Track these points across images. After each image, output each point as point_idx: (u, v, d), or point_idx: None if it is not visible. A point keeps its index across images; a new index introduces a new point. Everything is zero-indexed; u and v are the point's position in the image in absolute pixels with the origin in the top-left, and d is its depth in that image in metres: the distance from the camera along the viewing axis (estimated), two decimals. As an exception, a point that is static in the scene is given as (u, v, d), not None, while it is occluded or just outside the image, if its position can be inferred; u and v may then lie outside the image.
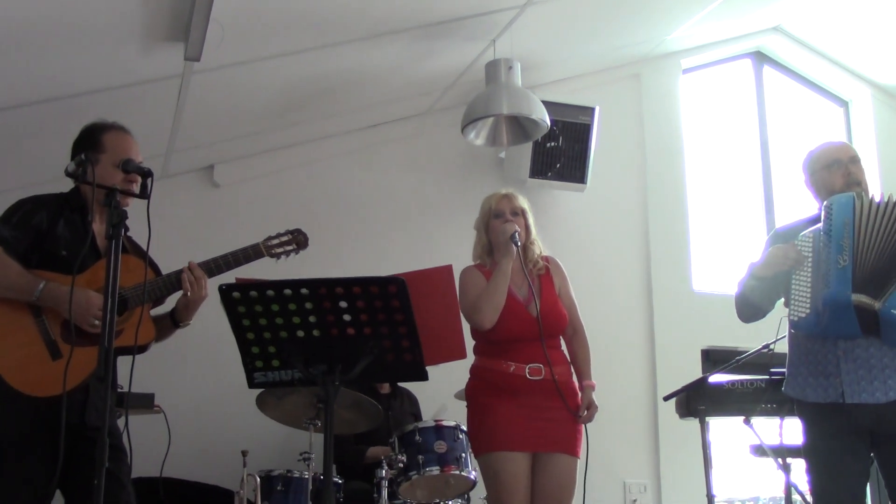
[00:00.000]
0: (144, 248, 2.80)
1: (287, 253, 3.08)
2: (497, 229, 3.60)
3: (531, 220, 3.68)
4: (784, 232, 3.25)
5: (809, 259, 2.98)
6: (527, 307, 3.54)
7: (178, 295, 2.98)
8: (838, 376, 3.01)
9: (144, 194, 2.60)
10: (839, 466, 3.03)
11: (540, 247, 3.70)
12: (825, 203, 3.01)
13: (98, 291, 2.65)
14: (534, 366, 3.46)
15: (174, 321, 3.01)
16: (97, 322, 2.62)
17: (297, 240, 3.10)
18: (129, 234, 2.90)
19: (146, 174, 2.61)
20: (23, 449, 2.63)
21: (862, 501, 3.07)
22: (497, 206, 3.68)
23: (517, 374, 3.45)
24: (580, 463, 3.53)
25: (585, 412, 3.50)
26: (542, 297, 3.57)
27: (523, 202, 3.70)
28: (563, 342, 3.68)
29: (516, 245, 3.51)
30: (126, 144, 2.86)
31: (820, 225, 3.02)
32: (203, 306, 3.01)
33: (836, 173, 3.15)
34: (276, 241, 3.07)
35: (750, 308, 3.26)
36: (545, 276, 3.65)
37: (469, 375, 3.64)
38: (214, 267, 2.93)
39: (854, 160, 3.19)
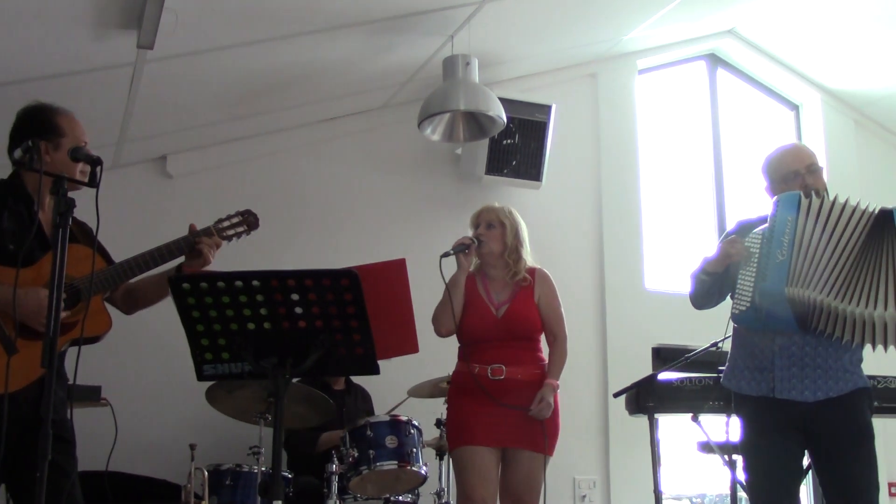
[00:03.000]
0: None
1: (238, 234, 3.02)
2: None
3: (518, 233, 3.78)
4: (747, 224, 3.27)
5: (756, 255, 3.03)
6: (496, 310, 3.69)
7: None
8: (772, 371, 3.07)
9: (93, 183, 2.54)
10: (774, 463, 3.08)
11: (526, 259, 3.78)
12: (773, 199, 3.07)
13: (48, 285, 2.60)
14: (495, 366, 3.58)
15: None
16: None
17: (248, 221, 3.04)
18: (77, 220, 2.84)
19: (95, 162, 2.55)
20: None
21: (796, 497, 3.12)
22: (476, 218, 3.83)
23: (481, 375, 3.58)
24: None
25: (536, 405, 3.55)
26: (513, 303, 3.69)
27: (505, 214, 3.80)
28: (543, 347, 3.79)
29: (444, 256, 3.62)
30: (80, 129, 2.82)
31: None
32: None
33: (793, 185, 3.16)
34: (226, 224, 3.00)
35: (700, 298, 3.31)
36: (526, 287, 3.75)
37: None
38: (176, 249, 2.88)
39: (811, 169, 3.20)
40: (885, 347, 2.91)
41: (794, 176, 3.19)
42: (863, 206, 2.95)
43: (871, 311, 2.86)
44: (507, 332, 3.64)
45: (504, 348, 3.62)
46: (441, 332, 3.69)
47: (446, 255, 3.65)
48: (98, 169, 2.54)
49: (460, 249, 3.67)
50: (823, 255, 2.92)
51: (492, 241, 3.73)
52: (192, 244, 2.88)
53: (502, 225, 3.76)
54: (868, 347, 3.05)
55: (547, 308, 3.76)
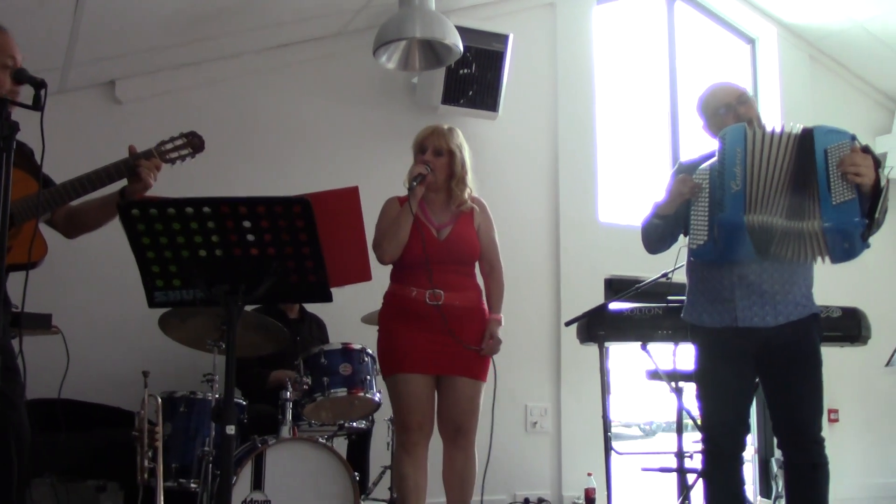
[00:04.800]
0: (38, 162, 2.67)
1: (182, 157, 2.92)
2: (411, 168, 3.60)
3: (465, 161, 3.65)
4: (688, 165, 3.36)
5: (707, 190, 3.09)
6: (437, 232, 3.59)
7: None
8: (733, 301, 3.16)
9: (38, 106, 2.47)
10: (727, 389, 3.21)
11: (471, 188, 3.68)
12: (719, 134, 3.12)
13: None
14: (433, 291, 3.51)
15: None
16: None
17: (193, 143, 2.93)
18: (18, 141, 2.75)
19: (39, 85, 2.48)
20: None
21: (745, 422, 3.25)
22: (423, 140, 3.66)
23: (418, 300, 3.51)
24: (489, 389, 3.62)
25: (487, 343, 3.56)
26: (456, 226, 3.62)
27: (454, 141, 3.65)
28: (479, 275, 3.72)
29: (409, 190, 3.50)
30: (11, 44, 2.71)
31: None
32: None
33: (726, 117, 3.24)
34: (170, 146, 2.89)
35: (655, 243, 3.39)
36: (467, 214, 3.66)
37: (382, 301, 3.69)
38: (115, 172, 2.82)
39: (742, 99, 3.28)
40: (827, 258, 3.00)
41: (726, 109, 3.27)
42: (791, 130, 3.03)
43: (806, 224, 2.94)
44: (449, 256, 3.56)
45: (443, 273, 3.53)
46: (384, 260, 3.56)
47: (411, 189, 3.50)
48: (42, 92, 2.48)
49: (420, 180, 3.53)
50: (770, 180, 2.99)
51: (438, 169, 3.61)
52: (133, 167, 2.82)
53: (451, 154, 3.63)
54: (817, 275, 3.16)
55: (486, 237, 3.70)
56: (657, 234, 3.34)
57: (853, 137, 3.00)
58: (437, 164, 3.60)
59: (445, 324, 3.45)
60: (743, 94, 3.30)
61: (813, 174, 2.96)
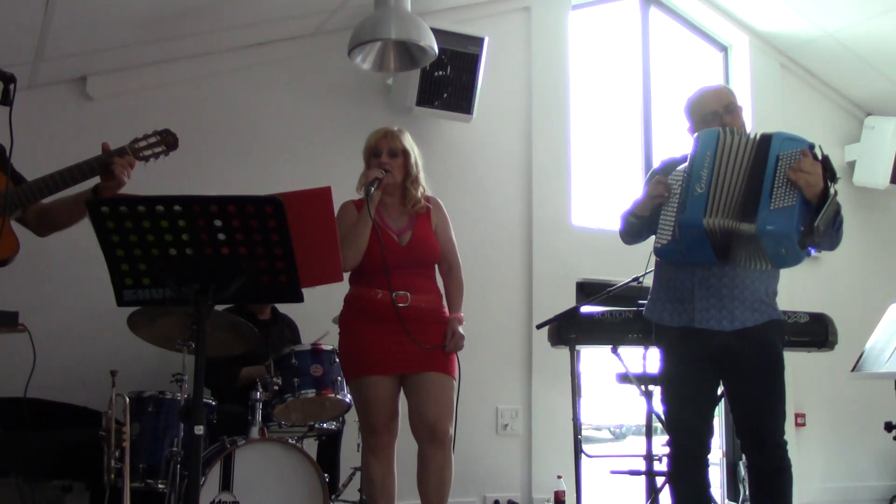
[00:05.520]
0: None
1: (156, 155, 2.91)
2: (366, 172, 3.59)
3: (417, 160, 3.66)
4: (670, 163, 3.37)
5: (678, 192, 3.11)
6: (398, 237, 3.58)
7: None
8: (692, 302, 3.20)
9: (6, 101, 2.45)
10: (690, 392, 3.24)
11: (424, 187, 3.68)
12: (694, 136, 3.15)
13: None
14: (400, 293, 3.49)
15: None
16: None
17: (167, 140, 2.92)
18: None
19: (8, 79, 2.46)
20: None
21: (709, 424, 3.28)
22: (376, 144, 3.64)
23: (384, 301, 3.48)
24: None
25: (451, 340, 3.53)
26: (415, 230, 3.61)
27: (407, 141, 3.65)
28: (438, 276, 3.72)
29: (367, 194, 3.49)
30: None
31: None
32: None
33: (712, 125, 3.24)
34: (143, 143, 2.88)
35: (630, 238, 3.45)
36: (424, 215, 3.66)
37: (343, 304, 3.66)
38: (89, 170, 2.79)
39: (729, 108, 3.29)
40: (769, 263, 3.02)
41: (712, 116, 3.29)
42: (755, 136, 3.06)
43: (747, 227, 2.96)
44: (412, 260, 3.55)
45: (406, 276, 3.52)
46: (346, 267, 3.48)
47: (368, 193, 3.48)
48: (11, 87, 2.46)
49: (377, 185, 3.51)
50: (731, 184, 3.02)
51: (395, 170, 3.59)
52: (106, 164, 2.79)
53: (405, 153, 3.62)
54: (786, 280, 3.19)
55: (444, 237, 3.68)
56: (632, 231, 3.39)
57: (811, 146, 3.01)
58: (393, 165, 3.60)
59: (403, 326, 3.43)
60: (731, 104, 3.32)
61: (761, 179, 2.98)
